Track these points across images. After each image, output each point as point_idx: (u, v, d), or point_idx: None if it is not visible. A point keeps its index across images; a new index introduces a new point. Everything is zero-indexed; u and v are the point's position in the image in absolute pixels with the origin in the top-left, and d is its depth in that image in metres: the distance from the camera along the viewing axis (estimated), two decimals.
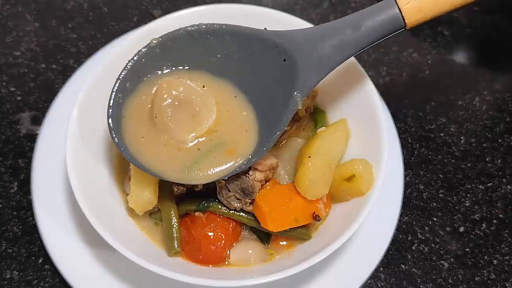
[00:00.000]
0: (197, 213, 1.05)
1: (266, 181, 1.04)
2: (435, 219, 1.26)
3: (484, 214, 1.27)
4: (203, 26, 0.98)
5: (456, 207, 1.28)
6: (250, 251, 1.04)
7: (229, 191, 1.00)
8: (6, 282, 1.12)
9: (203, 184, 1.04)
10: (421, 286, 1.17)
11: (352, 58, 1.12)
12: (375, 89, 1.10)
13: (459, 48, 1.57)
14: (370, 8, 0.93)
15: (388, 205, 1.19)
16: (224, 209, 1.04)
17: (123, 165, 1.13)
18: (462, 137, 1.38)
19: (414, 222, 1.25)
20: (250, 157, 0.96)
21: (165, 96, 0.96)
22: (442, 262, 1.20)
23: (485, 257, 1.21)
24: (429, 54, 1.53)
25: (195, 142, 0.97)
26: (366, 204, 0.99)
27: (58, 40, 1.50)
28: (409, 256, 1.20)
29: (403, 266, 1.19)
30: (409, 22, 0.91)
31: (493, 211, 1.27)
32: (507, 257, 1.21)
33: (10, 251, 1.17)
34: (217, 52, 1.01)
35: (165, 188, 1.05)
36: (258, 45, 0.98)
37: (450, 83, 1.48)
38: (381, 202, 1.12)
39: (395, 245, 1.21)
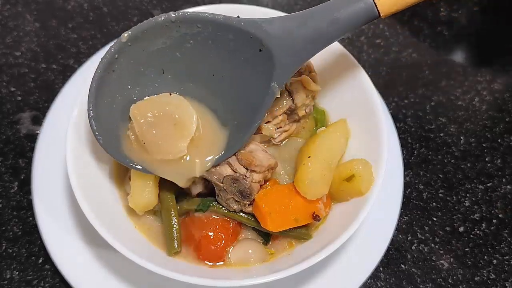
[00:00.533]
0: (197, 213, 1.05)
1: (266, 181, 1.04)
2: (435, 219, 1.26)
3: (484, 214, 1.27)
4: (173, 15, 0.94)
5: (456, 207, 1.28)
6: (250, 251, 1.04)
7: (228, 193, 1.00)
8: (6, 282, 1.13)
9: (203, 185, 1.05)
10: (421, 286, 1.17)
11: (352, 58, 1.13)
12: (375, 89, 1.10)
13: (458, 48, 1.57)
14: None
15: (388, 205, 1.20)
16: (224, 209, 1.04)
17: (123, 165, 1.13)
18: (462, 137, 1.38)
19: (414, 222, 1.25)
20: (228, 150, 1.00)
21: (142, 121, 0.97)
22: (442, 262, 1.20)
23: (485, 257, 1.21)
24: (428, 54, 1.53)
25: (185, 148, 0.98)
26: (366, 204, 0.99)
27: (58, 40, 1.50)
28: (409, 256, 1.20)
29: (403, 266, 1.19)
30: (382, 10, 0.90)
31: (492, 211, 1.27)
32: (507, 257, 1.21)
33: (10, 251, 1.17)
34: (189, 41, 0.97)
35: (165, 188, 1.05)
36: (232, 35, 0.95)
37: (450, 83, 1.48)
38: (381, 202, 1.12)
39: (395, 245, 1.21)
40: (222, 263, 1.04)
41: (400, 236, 1.23)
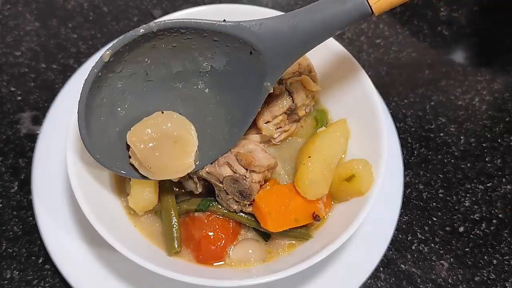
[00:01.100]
0: (197, 213, 1.05)
1: (266, 181, 1.04)
2: (434, 219, 1.26)
3: (484, 214, 1.27)
4: (153, 25, 0.91)
5: (456, 207, 1.28)
6: (250, 251, 1.05)
7: (228, 194, 1.00)
8: (6, 282, 1.13)
9: (203, 186, 1.05)
10: (420, 286, 1.17)
11: (352, 58, 1.13)
12: (375, 89, 1.10)
13: (458, 48, 1.57)
14: None
15: (388, 205, 1.20)
16: (224, 209, 1.04)
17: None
18: (461, 137, 1.38)
19: (414, 222, 1.25)
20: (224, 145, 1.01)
21: (141, 146, 0.94)
22: (442, 262, 1.20)
23: (485, 257, 1.21)
24: (428, 54, 1.53)
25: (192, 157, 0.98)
26: (366, 204, 0.99)
27: (59, 40, 1.50)
28: (409, 256, 1.20)
29: (403, 266, 1.19)
30: (375, 8, 0.89)
31: (492, 211, 1.27)
32: (506, 257, 1.21)
33: (10, 251, 1.17)
34: (175, 48, 0.95)
35: (165, 188, 1.05)
36: (221, 40, 0.93)
37: (450, 83, 1.48)
38: (381, 202, 1.12)
39: (395, 245, 1.21)
40: (222, 263, 1.04)
41: (400, 236, 1.23)
